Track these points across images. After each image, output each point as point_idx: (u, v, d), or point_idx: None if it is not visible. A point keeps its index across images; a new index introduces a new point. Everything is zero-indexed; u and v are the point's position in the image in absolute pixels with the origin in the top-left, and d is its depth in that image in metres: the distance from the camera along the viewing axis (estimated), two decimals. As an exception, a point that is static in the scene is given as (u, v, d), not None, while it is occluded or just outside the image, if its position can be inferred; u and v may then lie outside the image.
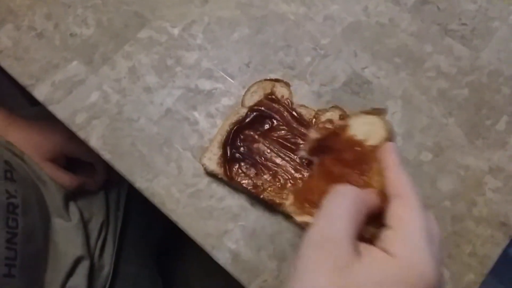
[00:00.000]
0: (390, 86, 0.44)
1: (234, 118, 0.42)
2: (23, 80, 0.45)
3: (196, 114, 0.44)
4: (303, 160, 0.39)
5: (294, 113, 0.41)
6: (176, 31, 0.47)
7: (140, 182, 0.41)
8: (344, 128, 0.34)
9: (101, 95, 0.44)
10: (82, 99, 0.44)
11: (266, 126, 0.41)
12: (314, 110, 0.42)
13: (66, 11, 0.48)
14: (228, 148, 0.40)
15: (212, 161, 0.40)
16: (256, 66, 0.45)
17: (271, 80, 0.43)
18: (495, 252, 0.38)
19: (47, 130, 0.53)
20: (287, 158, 0.40)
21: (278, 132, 0.41)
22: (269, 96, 0.43)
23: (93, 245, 0.53)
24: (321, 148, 0.36)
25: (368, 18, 0.47)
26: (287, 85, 0.43)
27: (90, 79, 0.45)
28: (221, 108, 0.44)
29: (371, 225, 0.27)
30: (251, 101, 0.43)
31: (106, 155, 0.42)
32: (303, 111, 0.42)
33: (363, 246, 0.25)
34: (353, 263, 0.24)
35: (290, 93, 0.43)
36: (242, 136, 0.41)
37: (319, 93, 0.44)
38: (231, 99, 0.44)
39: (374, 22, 0.47)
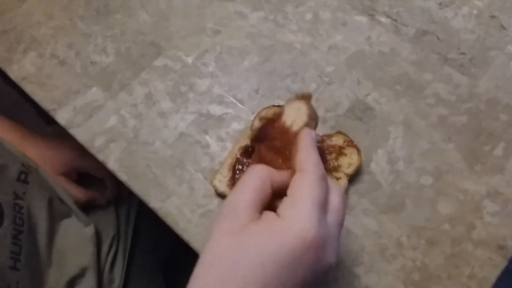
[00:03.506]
0: (392, 112, 0.46)
1: (243, 142, 0.44)
2: (46, 104, 0.48)
3: (207, 137, 0.46)
4: None
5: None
6: (189, 60, 0.50)
7: (154, 202, 0.43)
8: (279, 115, 0.36)
9: (119, 119, 0.47)
10: (100, 123, 0.47)
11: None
12: (319, 135, 0.44)
13: (87, 40, 0.52)
14: (237, 171, 0.43)
15: (222, 183, 0.43)
16: (264, 93, 0.48)
17: (277, 106, 0.46)
18: (493, 274, 0.40)
19: (60, 146, 0.56)
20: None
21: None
22: (276, 122, 0.45)
23: (103, 258, 0.56)
24: (261, 136, 0.38)
25: (370, 47, 0.49)
26: (294, 111, 0.45)
27: (108, 104, 0.48)
28: (231, 132, 0.46)
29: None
30: (259, 125, 0.45)
31: (123, 176, 0.45)
32: (308, 136, 0.44)
33: (265, 213, 0.29)
34: (249, 226, 0.27)
35: (296, 119, 0.45)
36: (250, 159, 0.43)
37: (324, 119, 0.46)
38: (241, 123, 0.47)
39: (376, 51, 0.49)
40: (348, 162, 0.43)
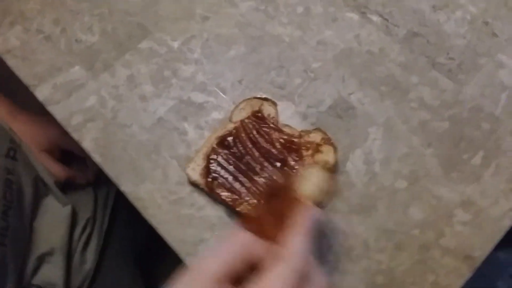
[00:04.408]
0: (374, 113, 0.46)
1: (220, 132, 0.44)
2: (27, 80, 0.48)
3: (186, 125, 0.46)
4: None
5: (277, 133, 0.43)
6: (175, 44, 0.50)
7: (126, 185, 0.43)
8: (298, 181, 0.35)
9: (98, 99, 0.47)
10: (80, 102, 0.47)
11: (249, 144, 0.43)
12: (298, 131, 0.44)
13: (74, 17, 0.51)
14: (211, 160, 0.42)
15: (196, 171, 0.42)
16: (248, 84, 0.48)
17: (260, 98, 0.46)
18: (457, 284, 0.40)
19: (45, 123, 0.57)
20: (265, 175, 0.42)
21: (259, 152, 0.43)
22: (256, 114, 0.45)
23: (76, 238, 0.56)
24: (273, 192, 0.37)
25: (359, 46, 0.49)
26: (274, 104, 0.45)
27: (89, 84, 0.48)
28: (210, 121, 0.46)
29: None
30: (238, 117, 0.45)
31: (97, 158, 0.44)
32: (287, 130, 0.44)
33: None
34: None
35: (277, 112, 0.45)
36: (225, 150, 0.43)
37: (305, 115, 0.46)
38: (221, 113, 0.46)
39: (364, 50, 0.48)
40: (324, 159, 0.42)
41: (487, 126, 0.45)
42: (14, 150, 0.48)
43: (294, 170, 0.42)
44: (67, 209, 0.54)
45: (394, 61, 0.48)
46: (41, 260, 0.49)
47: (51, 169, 0.55)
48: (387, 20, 0.50)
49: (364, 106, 0.46)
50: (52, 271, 0.51)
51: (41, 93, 0.47)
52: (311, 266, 0.29)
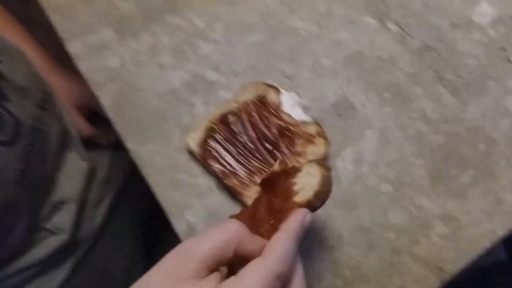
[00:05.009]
0: (372, 117, 0.47)
1: (224, 110, 0.47)
2: (63, 34, 0.52)
3: (194, 98, 0.49)
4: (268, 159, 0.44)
5: (276, 119, 0.46)
6: (199, 23, 0.53)
7: (131, 144, 0.47)
8: (295, 171, 0.35)
9: (121, 62, 0.51)
10: (104, 62, 0.51)
11: (248, 124, 0.46)
12: (296, 120, 0.46)
13: (115, -15, 0.55)
14: (211, 134, 0.45)
15: (195, 141, 0.45)
16: (259, 70, 0.50)
17: (266, 84, 0.48)
18: (422, 291, 0.41)
19: (80, 82, 0.60)
20: (257, 156, 0.44)
21: (255, 133, 0.45)
22: (261, 98, 0.47)
23: (91, 193, 0.59)
24: (269, 184, 0.37)
25: (371, 50, 0.50)
26: (279, 92, 0.47)
27: (116, 46, 0.52)
28: (217, 99, 0.49)
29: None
30: (244, 98, 0.47)
31: (111, 114, 0.48)
32: (286, 118, 0.46)
33: (208, 279, 0.27)
34: (187, 281, 0.27)
35: (280, 100, 0.47)
36: (225, 127, 0.46)
37: (306, 107, 0.48)
38: (229, 93, 0.49)
39: (375, 56, 0.50)
40: (314, 151, 0.44)
41: (482, 147, 0.45)
42: (45, 100, 0.51)
43: (283, 156, 0.44)
44: (86, 164, 0.57)
45: (402, 70, 0.49)
46: (56, 207, 0.52)
47: (78, 125, 0.59)
48: (404, 30, 0.51)
49: (365, 109, 0.48)
50: (64, 218, 0.53)
51: (73, 47, 0.51)
52: (292, 270, 0.29)
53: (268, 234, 0.30)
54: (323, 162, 0.35)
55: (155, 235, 0.71)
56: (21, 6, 0.69)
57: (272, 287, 0.27)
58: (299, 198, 0.32)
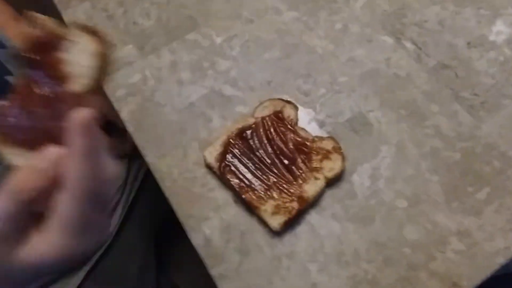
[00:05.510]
0: (388, 133, 0.48)
1: (241, 124, 0.48)
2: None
3: (212, 113, 0.50)
4: (290, 175, 0.44)
5: (292, 135, 0.46)
6: (218, 40, 0.54)
7: (150, 157, 0.48)
8: (60, 39, 0.28)
9: (142, 78, 0.52)
10: (126, 77, 0.52)
11: (265, 139, 0.46)
12: (312, 136, 0.47)
13: (136, 2, 0.57)
14: (228, 148, 0.46)
15: (212, 155, 0.46)
16: (275, 86, 0.51)
17: (283, 100, 0.49)
18: (437, 307, 0.41)
19: (97, 92, 0.62)
20: (274, 170, 0.45)
21: (272, 148, 0.46)
22: (277, 114, 0.48)
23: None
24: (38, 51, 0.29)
25: (387, 68, 0.51)
26: (296, 108, 0.48)
27: (137, 62, 0.53)
28: (234, 113, 0.50)
29: None
30: (260, 113, 0.48)
31: (130, 127, 0.50)
32: (302, 133, 0.47)
33: None
34: None
35: (296, 115, 0.48)
36: (242, 142, 0.47)
37: (322, 123, 0.49)
38: (246, 108, 0.50)
39: (391, 73, 0.51)
40: (331, 166, 0.45)
41: (497, 165, 0.46)
42: None
43: (300, 171, 0.45)
44: None
45: (418, 88, 0.50)
46: None
47: None
48: (420, 48, 0.52)
49: (381, 125, 0.48)
50: None
51: (94, 63, 0.53)
52: (96, 183, 0.29)
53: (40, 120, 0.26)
54: (92, 28, 0.28)
55: (167, 242, 0.72)
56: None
57: (86, 207, 0.28)
58: (75, 85, 0.27)
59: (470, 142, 0.47)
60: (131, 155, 0.66)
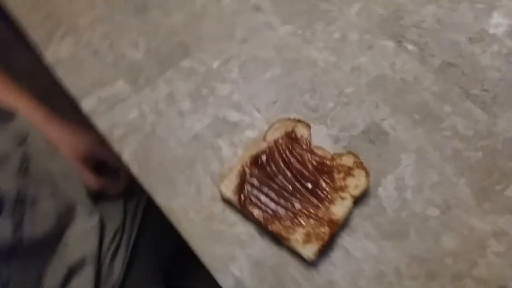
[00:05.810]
0: (406, 140, 0.46)
1: (254, 151, 0.45)
2: (73, 90, 0.50)
3: (220, 141, 0.47)
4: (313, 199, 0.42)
5: (310, 155, 0.44)
6: (214, 64, 0.52)
7: (160, 198, 0.45)
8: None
9: (139, 113, 0.49)
10: (122, 115, 0.49)
11: (282, 164, 0.44)
12: (330, 153, 0.45)
13: (122, 33, 0.54)
14: (244, 178, 0.43)
15: (229, 188, 0.43)
16: (281, 105, 0.49)
17: (293, 120, 0.47)
18: (490, 316, 0.39)
19: (82, 132, 0.58)
20: (298, 195, 0.42)
21: (291, 172, 0.43)
22: (290, 135, 0.46)
23: (105, 250, 0.56)
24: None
25: (393, 73, 0.50)
26: (308, 126, 0.46)
27: (132, 98, 0.50)
28: (244, 139, 0.47)
29: None
30: (272, 136, 0.46)
31: (135, 169, 0.46)
32: (319, 152, 0.45)
33: None
34: None
35: (310, 134, 0.46)
36: (258, 169, 0.44)
37: (337, 138, 0.47)
38: (254, 132, 0.48)
39: (398, 78, 0.49)
40: (355, 183, 0.43)
41: (521, 159, 0.45)
42: (27, 162, 0.48)
43: (325, 192, 0.42)
44: (96, 219, 0.54)
45: (427, 90, 0.49)
46: (72, 271, 0.49)
47: (84, 179, 0.56)
48: (423, 49, 0.51)
49: (397, 133, 0.47)
50: (82, 283, 0.51)
51: (87, 104, 0.49)
52: None
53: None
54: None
55: (177, 274, 0.68)
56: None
57: None
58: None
59: (489, 139, 0.46)
60: (126, 195, 0.62)
